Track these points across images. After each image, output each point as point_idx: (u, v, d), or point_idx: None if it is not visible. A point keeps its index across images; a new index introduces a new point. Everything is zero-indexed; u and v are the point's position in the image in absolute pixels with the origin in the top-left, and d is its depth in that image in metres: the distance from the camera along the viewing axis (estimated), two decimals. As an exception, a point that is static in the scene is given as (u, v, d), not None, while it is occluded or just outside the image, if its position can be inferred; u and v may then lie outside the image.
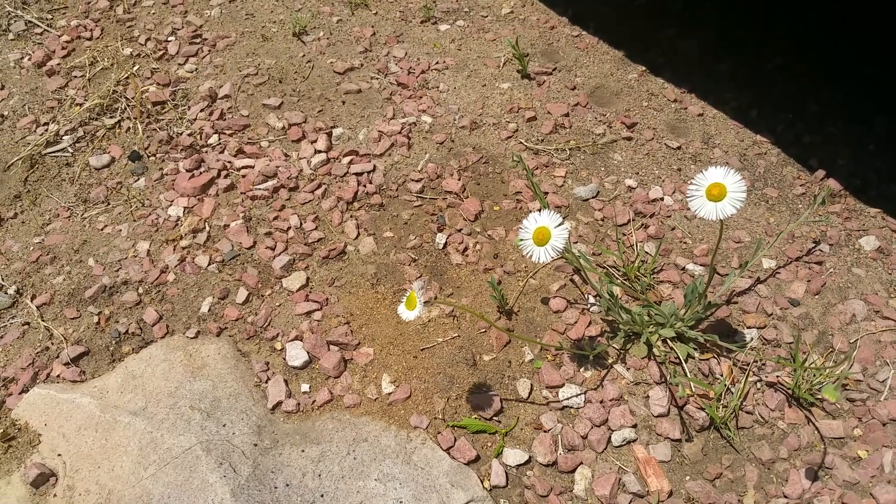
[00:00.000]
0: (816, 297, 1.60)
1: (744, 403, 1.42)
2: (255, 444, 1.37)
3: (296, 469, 1.34)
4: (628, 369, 1.48)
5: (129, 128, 2.01)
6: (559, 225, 1.20)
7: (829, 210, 1.77)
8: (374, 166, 1.86)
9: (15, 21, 2.33)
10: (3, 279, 1.67)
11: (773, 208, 1.77)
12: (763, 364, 1.48)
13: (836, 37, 2.15)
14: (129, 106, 2.05)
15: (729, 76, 2.09)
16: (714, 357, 1.48)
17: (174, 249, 1.71)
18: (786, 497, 1.31)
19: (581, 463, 1.36)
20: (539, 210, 1.23)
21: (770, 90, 2.05)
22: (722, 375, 1.45)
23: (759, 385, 1.45)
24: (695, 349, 1.49)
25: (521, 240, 1.23)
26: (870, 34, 2.14)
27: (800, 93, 2.03)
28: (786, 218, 1.75)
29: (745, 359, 1.48)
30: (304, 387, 1.47)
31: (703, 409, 1.40)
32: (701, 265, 1.65)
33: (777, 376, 1.46)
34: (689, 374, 1.46)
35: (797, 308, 1.57)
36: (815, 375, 1.43)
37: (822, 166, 1.85)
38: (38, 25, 2.33)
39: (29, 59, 2.20)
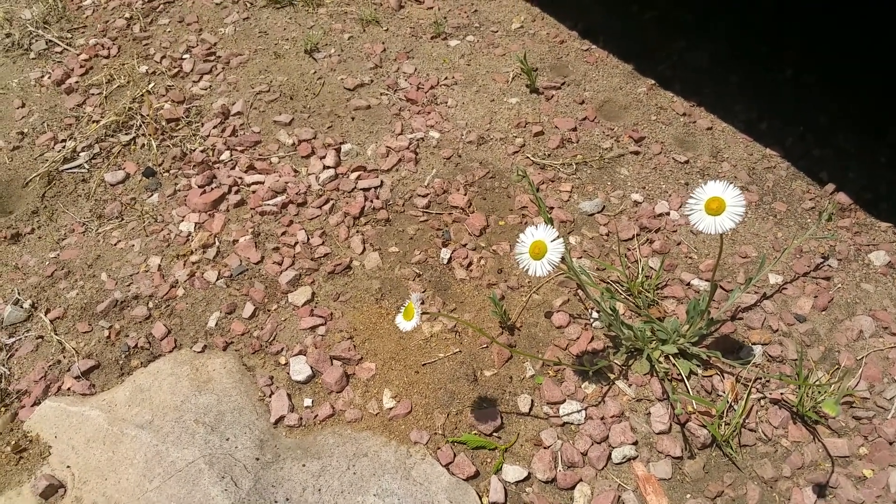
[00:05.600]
0: (823, 312, 1.58)
1: (747, 420, 1.41)
2: (257, 458, 1.39)
3: (296, 483, 1.35)
4: (630, 385, 1.47)
5: (143, 144, 2.05)
6: (555, 239, 1.21)
7: (838, 225, 1.74)
8: (382, 181, 1.88)
9: (36, 40, 2.40)
10: (19, 293, 1.72)
11: (782, 223, 1.75)
12: (767, 381, 1.46)
13: (847, 48, 2.13)
14: (143, 123, 2.09)
15: (738, 89, 2.08)
16: (717, 374, 1.47)
17: (184, 264, 1.74)
18: (788, 516, 1.30)
19: (580, 480, 1.36)
20: (536, 225, 1.24)
21: (780, 103, 2.03)
22: (725, 392, 1.44)
23: (762, 402, 1.44)
24: (698, 366, 1.48)
25: (519, 253, 1.24)
26: (881, 45, 2.12)
27: (810, 105, 2.01)
28: (794, 233, 1.73)
29: (749, 375, 1.47)
30: (307, 401, 1.49)
31: (704, 426, 1.39)
32: (706, 280, 1.64)
33: (781, 393, 1.44)
34: (691, 391, 1.45)
35: (803, 324, 1.56)
36: (819, 392, 1.41)
37: (832, 180, 1.83)
38: (59, 44, 2.39)
39: (49, 77, 2.26)
